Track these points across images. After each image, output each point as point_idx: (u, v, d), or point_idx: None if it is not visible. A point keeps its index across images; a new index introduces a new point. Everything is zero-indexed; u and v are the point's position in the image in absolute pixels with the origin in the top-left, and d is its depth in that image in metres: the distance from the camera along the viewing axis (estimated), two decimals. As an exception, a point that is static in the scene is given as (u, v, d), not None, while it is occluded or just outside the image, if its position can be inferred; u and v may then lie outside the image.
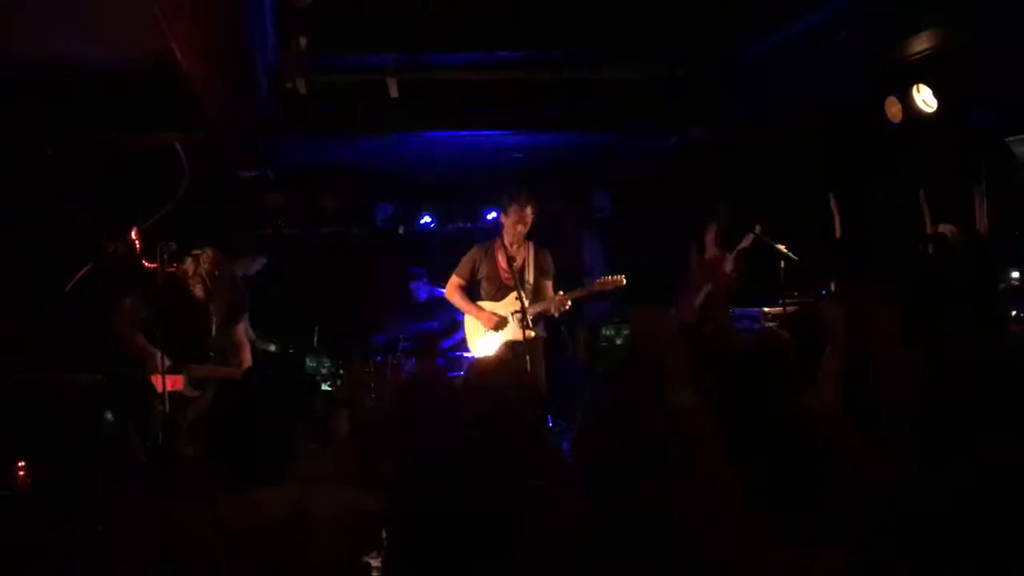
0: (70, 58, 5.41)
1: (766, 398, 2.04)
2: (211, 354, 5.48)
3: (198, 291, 5.36)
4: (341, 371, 7.04)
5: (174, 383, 5.25)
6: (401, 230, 8.83)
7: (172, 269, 5.17)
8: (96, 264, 6.33)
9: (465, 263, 6.04)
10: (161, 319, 5.18)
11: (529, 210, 5.78)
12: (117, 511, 2.18)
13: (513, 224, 5.79)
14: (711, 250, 7.03)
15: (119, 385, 4.58)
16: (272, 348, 7.06)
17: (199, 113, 5.67)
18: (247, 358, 5.59)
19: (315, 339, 7.58)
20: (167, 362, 5.03)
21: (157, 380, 4.93)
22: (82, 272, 6.30)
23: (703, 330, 6.21)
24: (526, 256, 5.87)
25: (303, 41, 5.36)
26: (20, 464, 3.37)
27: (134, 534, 2.02)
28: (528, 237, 5.96)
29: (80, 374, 4.88)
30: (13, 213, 6.81)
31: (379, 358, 7.30)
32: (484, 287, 5.98)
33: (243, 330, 5.92)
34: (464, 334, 6.20)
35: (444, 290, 6.21)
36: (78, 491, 2.36)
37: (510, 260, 5.83)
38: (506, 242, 5.87)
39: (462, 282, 6.01)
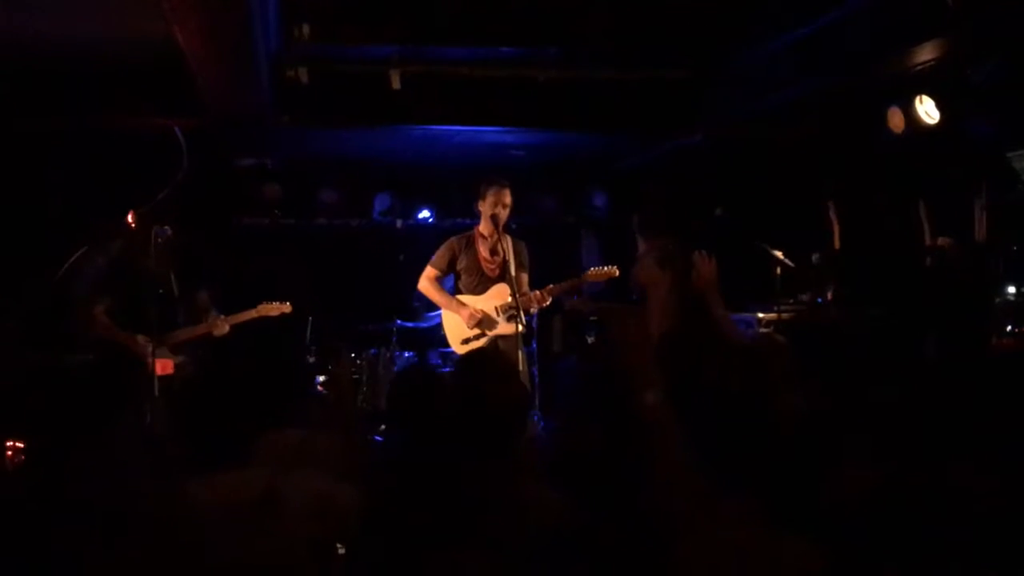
0: (70, 39, 5.38)
1: (755, 398, 2.05)
2: (179, 321, 5.56)
3: (148, 260, 5.40)
4: (329, 367, 6.95)
5: (164, 367, 5.28)
6: (399, 223, 8.81)
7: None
8: (91, 248, 6.34)
9: (442, 254, 5.73)
10: (122, 298, 5.27)
11: (508, 192, 5.54)
12: (102, 490, 2.17)
13: (492, 207, 5.51)
14: None
15: (107, 367, 4.60)
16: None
17: (199, 99, 5.65)
18: (218, 323, 5.73)
19: (308, 332, 7.51)
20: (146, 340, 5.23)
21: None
22: (77, 255, 6.30)
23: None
24: (506, 248, 5.58)
25: (306, 29, 5.34)
26: (13, 444, 3.38)
27: (114, 512, 2.00)
28: (519, 232, 5.86)
29: (73, 355, 4.89)
30: (9, 196, 6.79)
31: (374, 351, 7.26)
32: (463, 280, 5.70)
33: (206, 298, 5.95)
34: (443, 329, 5.87)
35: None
36: (68, 471, 2.34)
37: (492, 251, 5.64)
38: (485, 232, 5.67)
39: (438, 273, 5.72)
